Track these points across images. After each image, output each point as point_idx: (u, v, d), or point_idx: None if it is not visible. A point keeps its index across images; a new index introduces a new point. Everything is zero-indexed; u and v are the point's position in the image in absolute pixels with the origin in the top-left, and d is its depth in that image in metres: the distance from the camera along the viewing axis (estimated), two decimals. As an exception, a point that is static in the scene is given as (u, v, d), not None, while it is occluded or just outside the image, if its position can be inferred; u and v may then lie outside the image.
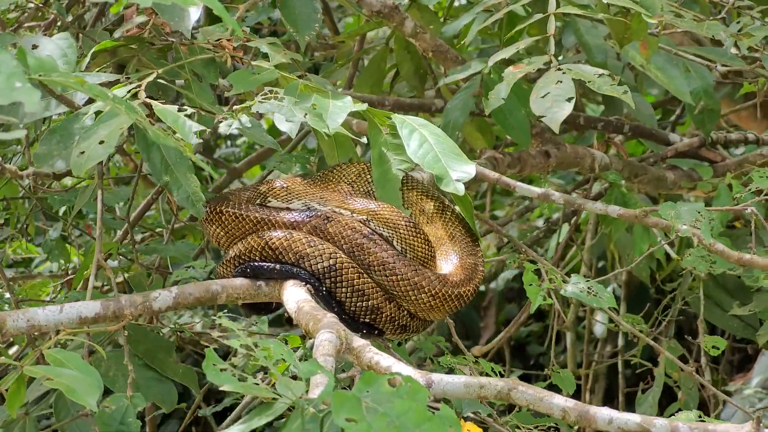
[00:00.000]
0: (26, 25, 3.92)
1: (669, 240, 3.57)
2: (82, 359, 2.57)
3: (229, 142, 8.97)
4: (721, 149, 4.55)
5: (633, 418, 2.30)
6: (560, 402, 2.33)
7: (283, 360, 2.22)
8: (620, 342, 6.33)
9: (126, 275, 4.15)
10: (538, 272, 3.39)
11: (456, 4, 5.01)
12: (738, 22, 3.80)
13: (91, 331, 2.92)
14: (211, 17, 4.71)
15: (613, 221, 4.09)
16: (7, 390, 2.61)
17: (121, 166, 6.48)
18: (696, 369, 4.07)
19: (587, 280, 3.37)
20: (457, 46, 4.19)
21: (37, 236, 6.05)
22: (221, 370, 2.12)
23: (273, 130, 5.90)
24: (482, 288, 7.78)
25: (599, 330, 6.98)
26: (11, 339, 5.13)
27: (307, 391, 2.11)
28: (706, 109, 4.06)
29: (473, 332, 7.69)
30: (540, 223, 6.90)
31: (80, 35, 3.55)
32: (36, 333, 2.90)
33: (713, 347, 3.75)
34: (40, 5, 3.97)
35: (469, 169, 3.02)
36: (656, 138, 4.62)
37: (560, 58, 3.87)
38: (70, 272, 5.46)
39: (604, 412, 2.31)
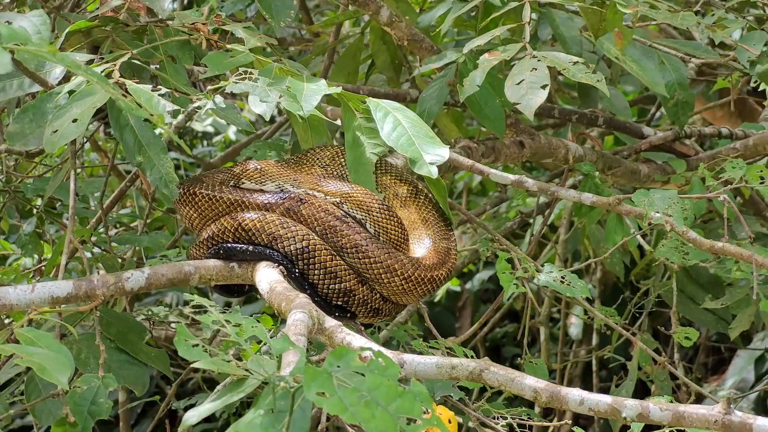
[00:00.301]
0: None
1: (642, 231, 3.57)
2: (53, 338, 2.55)
3: (205, 142, 8.97)
4: (694, 144, 4.57)
5: (604, 398, 2.29)
6: (531, 383, 2.33)
7: (256, 341, 2.20)
8: (594, 340, 6.35)
9: (98, 264, 4.13)
10: (511, 261, 3.39)
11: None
12: (713, 14, 3.82)
13: (63, 311, 2.90)
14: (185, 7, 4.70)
15: (587, 213, 4.09)
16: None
17: (97, 163, 6.46)
18: (670, 364, 4.08)
19: (560, 270, 3.37)
20: (433, 34, 4.18)
21: (10, 234, 6.02)
22: (193, 345, 2.10)
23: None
24: (457, 289, 7.80)
25: (574, 331, 7.00)
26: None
27: (278, 369, 2.10)
28: (680, 101, 4.07)
29: (448, 333, 7.69)
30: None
31: (55, 17, 3.53)
32: (6, 312, 2.88)
33: (686, 338, 3.76)
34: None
35: (442, 152, 3.02)
36: (630, 131, 4.64)
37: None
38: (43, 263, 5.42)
39: (575, 393, 2.30)
